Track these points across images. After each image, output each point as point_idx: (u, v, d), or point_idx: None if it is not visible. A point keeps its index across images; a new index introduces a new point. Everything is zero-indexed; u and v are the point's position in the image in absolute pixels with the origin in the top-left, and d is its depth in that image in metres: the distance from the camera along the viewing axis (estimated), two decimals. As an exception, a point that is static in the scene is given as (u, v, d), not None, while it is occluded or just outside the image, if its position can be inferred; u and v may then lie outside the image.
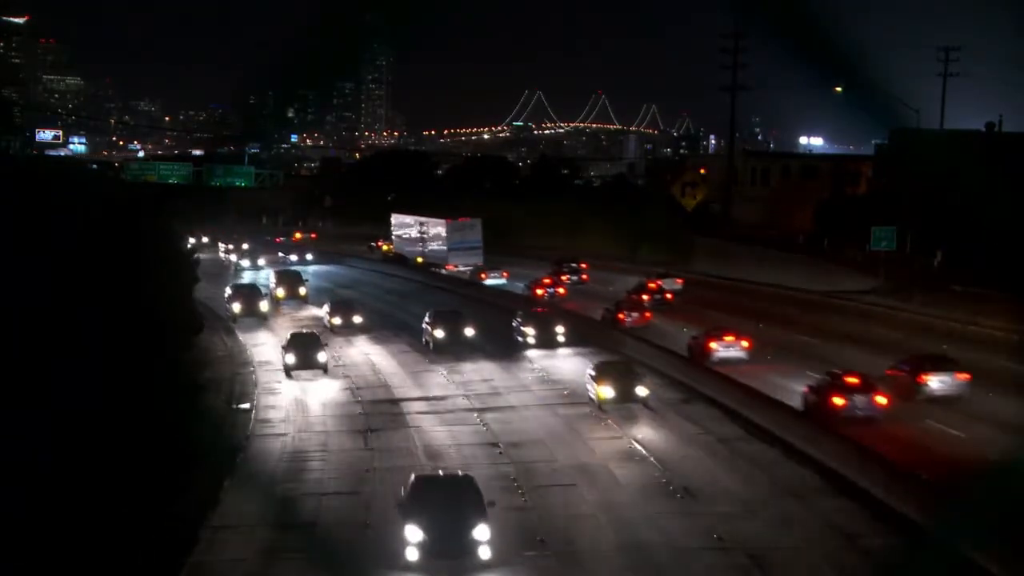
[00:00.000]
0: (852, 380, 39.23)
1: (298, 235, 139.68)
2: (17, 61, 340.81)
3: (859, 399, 38.47)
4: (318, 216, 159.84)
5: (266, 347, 58.52)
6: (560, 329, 56.01)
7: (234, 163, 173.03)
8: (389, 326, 64.96)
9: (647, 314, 61.78)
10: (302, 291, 74.98)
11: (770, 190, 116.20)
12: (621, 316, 60.46)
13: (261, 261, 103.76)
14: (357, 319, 63.31)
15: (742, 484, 32.20)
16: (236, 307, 67.16)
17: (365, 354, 56.51)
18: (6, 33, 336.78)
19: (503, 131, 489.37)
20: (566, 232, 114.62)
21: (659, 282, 73.23)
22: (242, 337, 61.68)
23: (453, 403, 44.47)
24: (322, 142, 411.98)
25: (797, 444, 35.10)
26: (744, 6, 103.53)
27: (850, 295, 69.99)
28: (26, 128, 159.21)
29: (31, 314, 29.17)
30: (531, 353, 54.67)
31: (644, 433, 38.56)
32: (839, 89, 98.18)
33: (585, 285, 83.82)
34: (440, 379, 49.34)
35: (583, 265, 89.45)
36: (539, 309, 61.55)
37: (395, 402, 45.02)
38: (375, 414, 42.56)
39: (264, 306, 67.67)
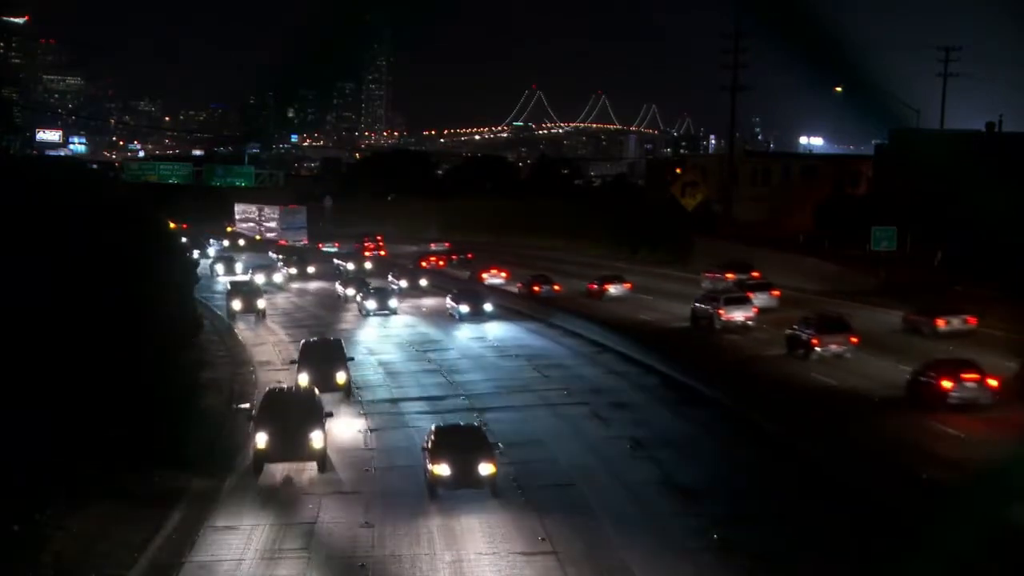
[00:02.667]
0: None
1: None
2: (17, 61, 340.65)
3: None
4: (317, 216, 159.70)
5: (266, 347, 58.55)
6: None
7: (234, 163, 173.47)
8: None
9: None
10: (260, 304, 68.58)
11: (770, 190, 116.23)
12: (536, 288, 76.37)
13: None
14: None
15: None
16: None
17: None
18: (6, 33, 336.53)
19: (503, 131, 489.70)
20: (566, 232, 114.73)
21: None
22: (242, 337, 61.70)
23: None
24: (322, 142, 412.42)
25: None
26: (744, 6, 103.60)
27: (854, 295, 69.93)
28: (26, 128, 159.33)
29: (31, 314, 29.19)
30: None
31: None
32: (839, 89, 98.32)
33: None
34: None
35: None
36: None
37: (394, 402, 45.15)
38: (374, 414, 42.65)
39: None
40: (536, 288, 75.98)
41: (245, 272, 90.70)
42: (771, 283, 67.72)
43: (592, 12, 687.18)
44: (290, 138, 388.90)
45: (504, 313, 67.71)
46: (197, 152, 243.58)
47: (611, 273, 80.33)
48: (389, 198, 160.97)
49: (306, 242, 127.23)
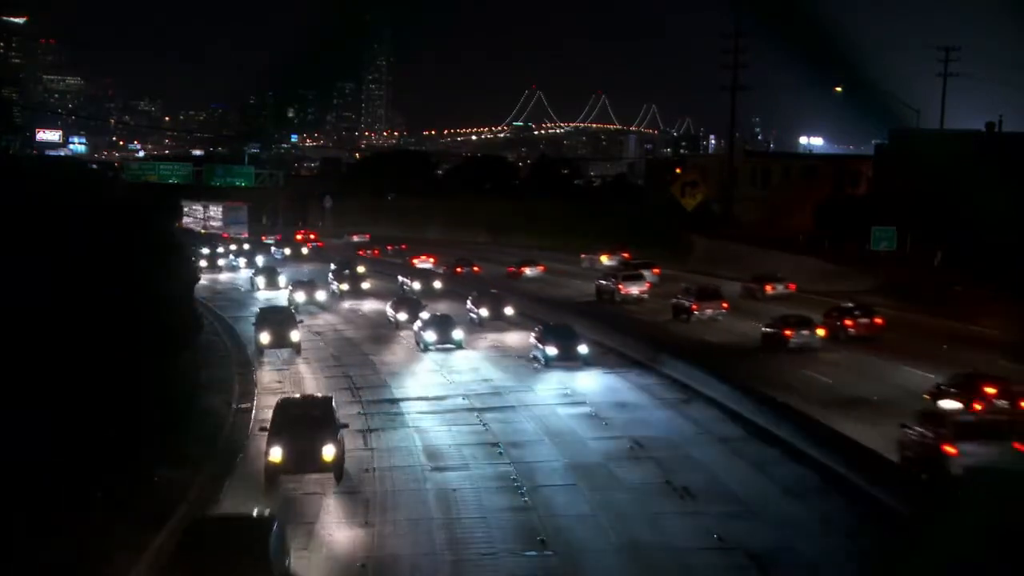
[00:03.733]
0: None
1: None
2: (17, 61, 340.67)
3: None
4: (317, 216, 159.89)
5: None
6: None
7: (234, 163, 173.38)
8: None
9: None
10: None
11: (770, 190, 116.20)
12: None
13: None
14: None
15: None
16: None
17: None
18: (6, 33, 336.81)
19: (503, 131, 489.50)
20: (565, 232, 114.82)
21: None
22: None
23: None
24: (322, 142, 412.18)
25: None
26: (744, 6, 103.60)
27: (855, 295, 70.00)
28: (26, 128, 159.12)
29: (31, 314, 29.18)
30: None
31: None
32: (839, 89, 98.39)
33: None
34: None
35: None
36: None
37: (394, 401, 45.05)
38: (374, 414, 42.58)
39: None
40: (459, 270, 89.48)
41: (287, 286, 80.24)
42: (652, 263, 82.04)
43: (592, 12, 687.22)
44: (290, 138, 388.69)
45: (602, 354, 52.29)
46: (197, 152, 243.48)
47: (528, 257, 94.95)
48: (389, 198, 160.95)
49: (247, 235, 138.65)
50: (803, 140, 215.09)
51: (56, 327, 29.87)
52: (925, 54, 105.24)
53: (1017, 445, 30.45)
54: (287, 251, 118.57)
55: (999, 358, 46.08)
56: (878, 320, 55.41)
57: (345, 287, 79.27)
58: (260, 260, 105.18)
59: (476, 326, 61.62)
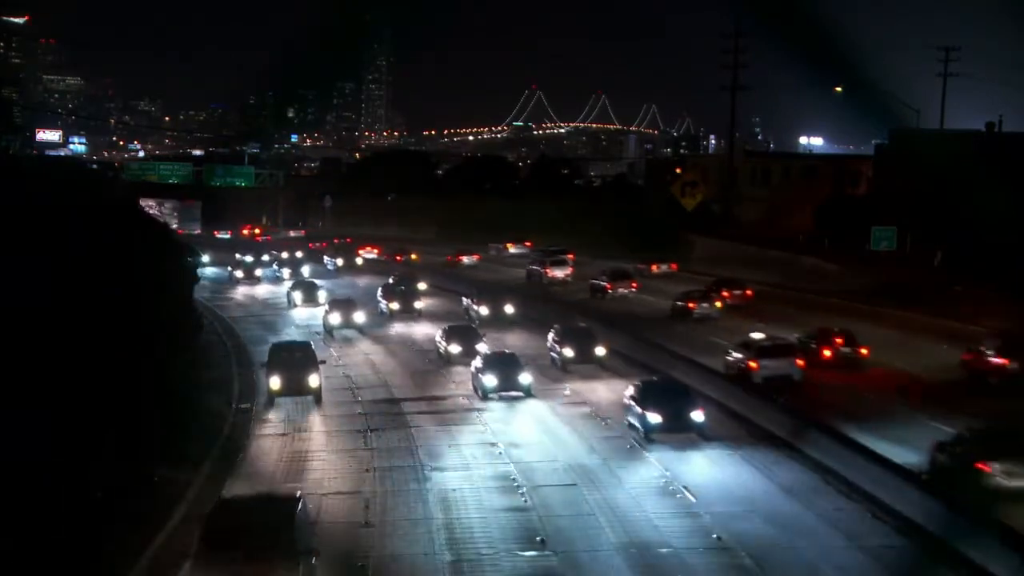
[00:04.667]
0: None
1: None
2: (17, 61, 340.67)
3: None
4: (317, 216, 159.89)
5: (267, 347, 58.48)
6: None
7: (234, 163, 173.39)
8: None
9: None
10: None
11: (770, 190, 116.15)
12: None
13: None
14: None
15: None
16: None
17: (365, 354, 56.50)
18: (6, 33, 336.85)
19: (503, 131, 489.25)
20: (565, 232, 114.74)
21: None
22: (243, 337, 61.70)
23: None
24: (322, 142, 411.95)
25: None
26: (744, 6, 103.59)
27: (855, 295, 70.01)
28: (26, 128, 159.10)
29: (31, 314, 29.18)
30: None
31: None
32: (839, 89, 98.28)
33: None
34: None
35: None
36: None
37: (392, 401, 44.98)
38: (375, 414, 42.54)
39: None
40: (399, 257, 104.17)
41: (325, 301, 69.68)
42: (567, 249, 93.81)
43: (592, 12, 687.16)
44: (290, 138, 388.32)
45: (722, 421, 38.92)
46: (197, 152, 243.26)
47: (464, 247, 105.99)
48: (389, 198, 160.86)
49: (200, 232, 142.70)
50: (803, 140, 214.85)
51: (56, 327, 29.87)
52: (925, 54, 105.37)
53: (798, 361, 44.85)
54: (340, 261, 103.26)
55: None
56: (749, 291, 68.62)
57: (395, 307, 68.20)
58: (306, 271, 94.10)
59: (556, 369, 50.19)
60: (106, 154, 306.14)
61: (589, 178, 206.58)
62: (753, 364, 44.43)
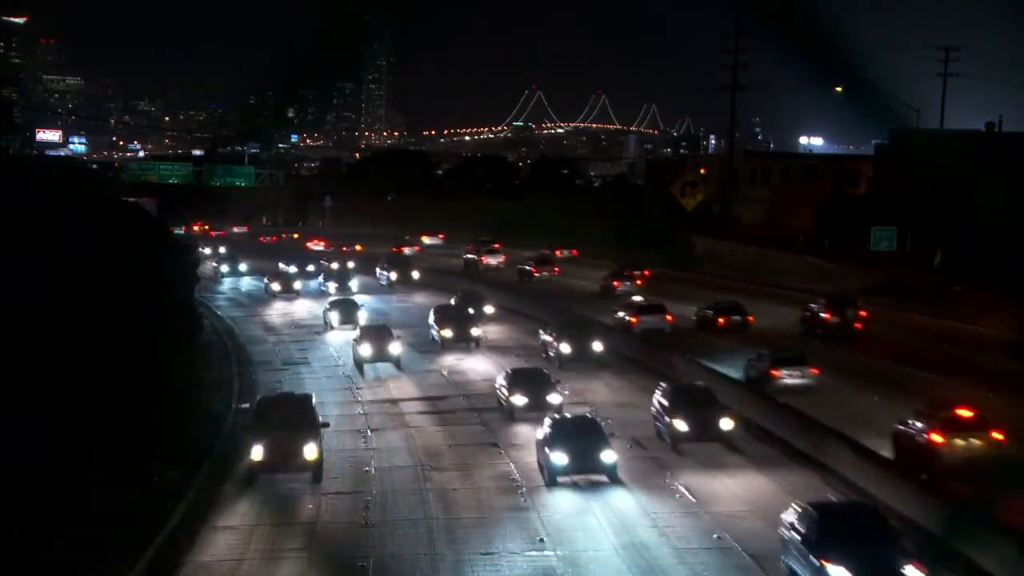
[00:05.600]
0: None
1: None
2: (17, 61, 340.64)
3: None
4: (317, 216, 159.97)
5: (266, 347, 58.52)
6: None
7: (234, 163, 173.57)
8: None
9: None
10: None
11: (770, 190, 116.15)
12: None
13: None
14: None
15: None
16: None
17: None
18: (6, 33, 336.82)
19: (503, 131, 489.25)
20: (565, 232, 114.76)
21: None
22: (243, 337, 61.67)
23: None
24: (322, 142, 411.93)
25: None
26: (744, 6, 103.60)
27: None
28: (26, 128, 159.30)
29: (31, 314, 29.20)
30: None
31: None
32: (839, 89, 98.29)
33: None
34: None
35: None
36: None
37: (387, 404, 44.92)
38: (375, 414, 42.54)
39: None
40: (344, 249, 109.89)
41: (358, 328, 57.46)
42: (494, 240, 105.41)
43: (592, 12, 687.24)
44: (290, 138, 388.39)
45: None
46: (197, 152, 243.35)
47: (408, 240, 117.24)
48: (389, 198, 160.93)
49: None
50: (803, 140, 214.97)
51: (56, 327, 29.90)
52: (925, 54, 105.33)
53: (668, 317, 57.14)
54: (393, 275, 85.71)
55: (1000, 358, 46.06)
56: (647, 272, 77.70)
57: (448, 334, 55.38)
58: (354, 285, 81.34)
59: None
60: (106, 154, 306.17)
61: (589, 178, 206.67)
62: (633, 319, 57.13)
